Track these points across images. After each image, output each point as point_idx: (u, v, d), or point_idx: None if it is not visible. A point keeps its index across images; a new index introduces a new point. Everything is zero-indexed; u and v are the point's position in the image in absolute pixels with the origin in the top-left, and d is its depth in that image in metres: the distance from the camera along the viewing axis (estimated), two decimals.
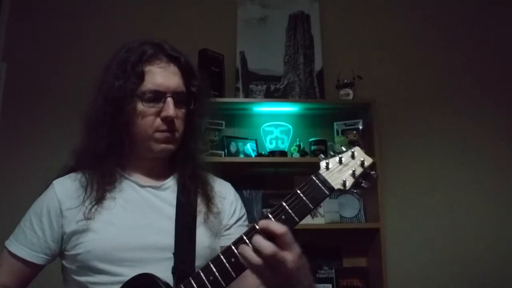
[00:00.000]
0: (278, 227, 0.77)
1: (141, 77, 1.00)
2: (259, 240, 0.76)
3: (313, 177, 0.84)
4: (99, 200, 1.00)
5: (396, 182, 2.43)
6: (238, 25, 2.55)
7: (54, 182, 1.06)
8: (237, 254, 0.80)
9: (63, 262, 1.03)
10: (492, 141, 2.53)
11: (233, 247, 0.81)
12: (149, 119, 1.01)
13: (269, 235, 0.77)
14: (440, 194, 2.45)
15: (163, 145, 1.03)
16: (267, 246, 0.75)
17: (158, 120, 1.01)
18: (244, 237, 0.80)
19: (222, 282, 0.81)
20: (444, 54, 2.64)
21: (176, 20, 2.57)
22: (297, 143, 2.36)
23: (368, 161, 0.86)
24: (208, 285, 0.81)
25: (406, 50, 2.63)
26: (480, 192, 2.47)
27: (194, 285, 0.82)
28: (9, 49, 2.46)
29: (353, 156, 0.86)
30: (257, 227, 0.79)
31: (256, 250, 0.76)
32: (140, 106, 1.00)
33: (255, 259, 0.76)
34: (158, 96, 1.00)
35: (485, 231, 2.42)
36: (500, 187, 2.48)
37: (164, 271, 0.94)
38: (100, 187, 1.01)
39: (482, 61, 2.64)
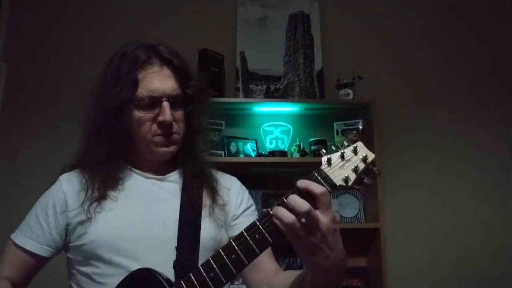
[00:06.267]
0: (317, 187, 0.76)
1: (135, 84, 1.00)
2: (294, 198, 0.76)
3: (315, 173, 0.82)
4: (104, 192, 1.01)
5: (396, 182, 2.43)
6: (238, 25, 2.55)
7: (61, 176, 1.08)
8: (248, 239, 0.78)
9: (68, 254, 1.04)
10: (492, 141, 2.53)
11: (233, 243, 0.80)
12: (147, 125, 1.02)
13: (308, 195, 0.76)
14: (440, 194, 2.45)
15: (164, 149, 1.05)
16: (302, 203, 0.74)
17: (156, 125, 1.02)
18: (282, 201, 0.78)
19: (223, 279, 0.80)
20: (444, 54, 2.64)
21: (176, 20, 2.57)
22: (297, 143, 2.36)
23: (370, 156, 0.84)
24: (209, 282, 0.80)
25: (406, 50, 2.63)
26: (480, 192, 2.47)
27: (194, 282, 0.81)
28: (9, 49, 2.46)
29: (355, 152, 0.84)
30: (284, 200, 0.78)
31: (291, 210, 0.75)
32: (137, 114, 1.01)
33: (289, 217, 0.74)
34: (153, 101, 1.01)
35: (485, 231, 2.42)
36: (500, 187, 2.48)
37: (166, 264, 0.94)
38: (105, 180, 1.02)
39: (481, 61, 2.64)
